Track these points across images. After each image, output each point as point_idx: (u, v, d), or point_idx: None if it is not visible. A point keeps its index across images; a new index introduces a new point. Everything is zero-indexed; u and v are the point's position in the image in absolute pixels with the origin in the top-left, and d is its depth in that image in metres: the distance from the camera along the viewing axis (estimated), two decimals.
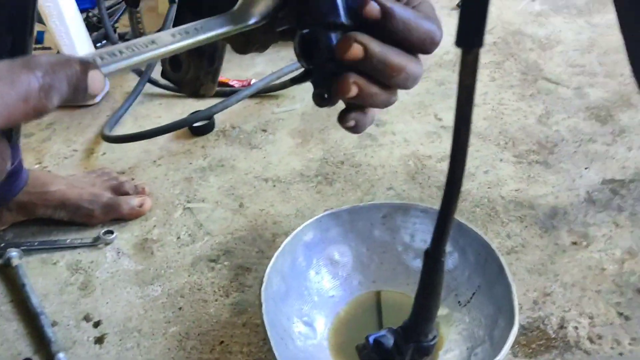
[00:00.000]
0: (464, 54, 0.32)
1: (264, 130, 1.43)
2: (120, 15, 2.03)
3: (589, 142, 1.27)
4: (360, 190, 1.19)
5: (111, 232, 1.11)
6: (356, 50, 0.43)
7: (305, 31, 0.47)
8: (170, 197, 1.22)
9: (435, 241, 0.42)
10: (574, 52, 1.64)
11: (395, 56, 0.44)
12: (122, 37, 1.93)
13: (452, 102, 1.49)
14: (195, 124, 1.39)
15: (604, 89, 1.44)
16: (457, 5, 2.04)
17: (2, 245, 1.06)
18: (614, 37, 1.66)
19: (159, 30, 1.91)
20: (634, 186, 1.12)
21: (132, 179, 1.28)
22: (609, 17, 1.78)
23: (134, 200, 1.15)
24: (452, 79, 1.58)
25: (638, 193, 1.10)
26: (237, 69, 1.71)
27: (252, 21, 0.49)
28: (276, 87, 1.57)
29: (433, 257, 0.43)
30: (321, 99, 0.49)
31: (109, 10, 2.07)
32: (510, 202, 1.12)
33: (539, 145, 1.28)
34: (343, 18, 0.46)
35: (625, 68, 1.55)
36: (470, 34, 0.31)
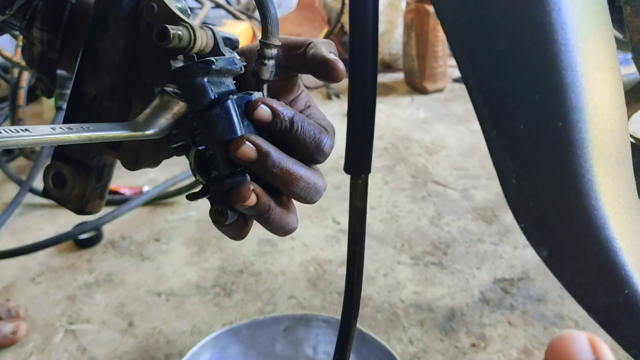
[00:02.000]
0: (353, 180, 0.33)
1: (157, 240, 1.38)
2: (2, 122, 1.94)
3: (478, 242, 1.34)
4: (261, 300, 1.16)
5: None
6: (247, 149, 0.43)
7: (201, 147, 0.47)
8: (50, 319, 1.12)
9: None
10: (458, 156, 1.77)
11: (291, 163, 0.44)
12: None
13: (348, 205, 1.54)
14: (81, 236, 1.32)
15: (487, 191, 1.55)
16: None
17: None
18: None
19: None
20: (522, 284, 1.19)
21: (7, 300, 1.16)
22: None
23: (7, 327, 1.04)
24: (348, 182, 1.64)
25: (527, 291, 1.17)
26: (127, 176, 1.67)
27: (149, 131, 0.48)
28: (170, 194, 1.54)
29: None
30: (219, 215, 0.48)
31: None
32: (410, 306, 1.14)
33: (433, 246, 1.33)
34: (239, 134, 0.47)
35: None
36: (358, 161, 0.32)
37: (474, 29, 0.28)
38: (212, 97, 0.47)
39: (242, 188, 0.45)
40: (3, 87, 2.47)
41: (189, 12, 0.53)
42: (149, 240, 1.38)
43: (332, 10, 2.75)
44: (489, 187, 1.57)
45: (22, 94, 1.54)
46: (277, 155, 0.44)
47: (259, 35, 2.08)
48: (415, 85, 2.33)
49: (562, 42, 0.26)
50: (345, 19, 2.56)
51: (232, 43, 0.54)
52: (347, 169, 0.32)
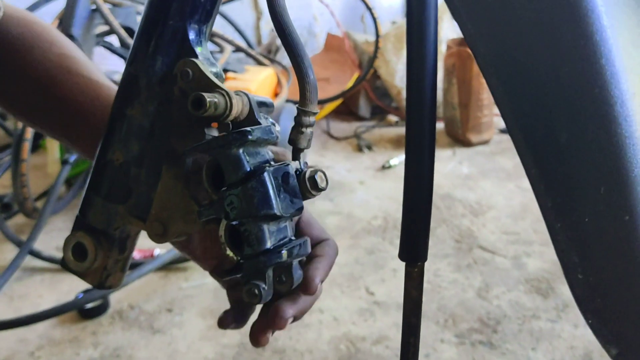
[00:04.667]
0: (409, 268, 0.36)
1: (170, 310, 1.41)
2: (2, 173, 2.02)
3: (533, 318, 1.34)
4: None
5: None
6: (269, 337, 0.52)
7: (235, 222, 0.51)
8: None
9: None
10: (507, 218, 1.79)
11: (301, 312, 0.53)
12: (0, 200, 1.91)
13: (384, 273, 1.56)
14: (86, 306, 1.36)
15: (542, 259, 1.56)
16: (383, 166, 2.21)
17: None
18: None
19: (45, 193, 1.91)
20: None
21: None
22: None
23: None
24: (383, 247, 1.67)
25: None
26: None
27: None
28: (184, 258, 1.58)
29: None
30: (253, 296, 0.51)
31: None
32: None
33: (480, 322, 1.34)
34: (275, 209, 0.50)
35: None
36: (414, 249, 0.35)
37: (536, 119, 0.31)
38: (248, 170, 0.51)
39: (279, 320, 0.51)
40: (0, 135, 2.58)
41: (223, 76, 0.58)
42: (161, 310, 1.41)
43: (363, 53, 2.84)
44: (543, 255, 1.58)
45: (27, 147, 1.61)
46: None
47: (283, 81, 2.15)
48: (457, 136, 2.38)
49: (626, 135, 0.29)
50: (378, 63, 2.63)
51: (267, 107, 0.58)
52: (402, 256, 0.35)
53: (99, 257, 0.65)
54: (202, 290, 1.48)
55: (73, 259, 0.66)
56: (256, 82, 1.87)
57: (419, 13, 0.39)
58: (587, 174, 0.31)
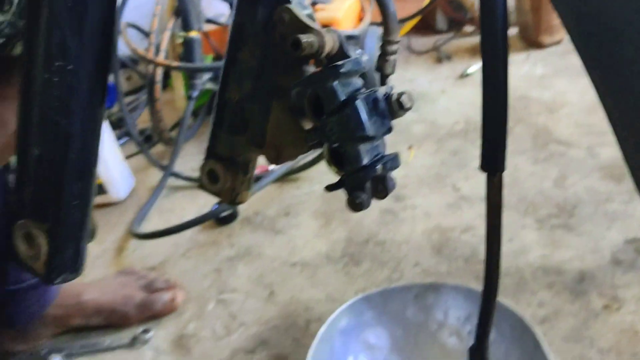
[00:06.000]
0: (489, 177, 0.36)
1: (287, 214, 1.48)
2: (141, 112, 2.14)
3: (607, 201, 1.30)
4: (387, 268, 1.22)
5: (147, 331, 1.13)
6: None
7: (335, 145, 0.53)
8: (201, 290, 1.26)
9: (479, 338, 0.45)
10: (581, 112, 1.69)
11: None
12: (142, 133, 2.03)
13: (468, 171, 1.55)
14: (222, 215, 1.45)
15: (614, 148, 1.47)
16: (462, 75, 2.13)
17: (45, 351, 1.10)
18: None
19: (177, 124, 2.00)
20: None
21: (164, 274, 1.31)
22: None
23: (166, 296, 1.18)
24: (465, 147, 1.64)
25: None
26: None
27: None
28: (295, 170, 1.63)
29: (479, 354, 0.46)
30: (355, 205, 0.53)
31: (129, 107, 2.18)
32: (537, 269, 1.14)
33: (558, 208, 1.31)
34: (368, 131, 0.51)
35: None
36: (494, 160, 0.35)
37: (600, 38, 0.29)
38: (343, 99, 0.52)
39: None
40: (134, 79, 2.69)
41: (314, 16, 0.58)
42: (279, 215, 1.48)
43: None
44: (615, 144, 1.49)
45: (158, 88, 1.69)
46: None
47: (366, 7, 2.08)
48: (531, 39, 2.23)
49: None
50: None
51: (354, 40, 0.58)
52: (484, 167, 0.35)
53: (228, 180, 0.70)
54: (311, 196, 1.53)
55: (208, 182, 0.71)
56: (342, 10, 1.82)
57: None
58: None
